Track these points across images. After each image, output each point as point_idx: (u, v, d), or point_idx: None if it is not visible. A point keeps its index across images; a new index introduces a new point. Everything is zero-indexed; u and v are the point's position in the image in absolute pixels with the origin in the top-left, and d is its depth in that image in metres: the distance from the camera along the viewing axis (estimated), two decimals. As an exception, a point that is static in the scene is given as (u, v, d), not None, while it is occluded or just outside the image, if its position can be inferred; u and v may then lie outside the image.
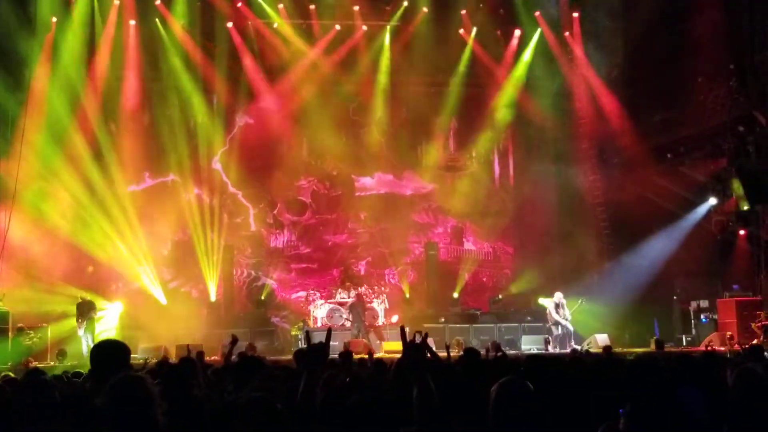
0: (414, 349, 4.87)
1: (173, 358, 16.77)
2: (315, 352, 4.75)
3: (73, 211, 23.67)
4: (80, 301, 21.33)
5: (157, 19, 25.40)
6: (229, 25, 25.85)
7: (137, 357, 19.82)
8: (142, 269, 25.25)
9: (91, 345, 20.41)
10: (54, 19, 24.06)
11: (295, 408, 4.47)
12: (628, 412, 3.92)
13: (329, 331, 5.53)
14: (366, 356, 12.63)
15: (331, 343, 5.27)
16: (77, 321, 21.03)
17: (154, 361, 17.57)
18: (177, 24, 25.41)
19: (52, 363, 19.44)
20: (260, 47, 26.27)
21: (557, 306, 22.47)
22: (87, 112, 24.60)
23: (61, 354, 20.19)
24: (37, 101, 23.54)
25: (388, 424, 4.31)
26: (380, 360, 8.59)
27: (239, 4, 25.65)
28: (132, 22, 25.11)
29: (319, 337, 17.49)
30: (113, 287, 25.16)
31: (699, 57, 23.16)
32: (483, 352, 9.51)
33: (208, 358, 17.92)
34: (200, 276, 26.09)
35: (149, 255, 25.41)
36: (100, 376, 4.60)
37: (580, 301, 22.61)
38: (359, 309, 23.84)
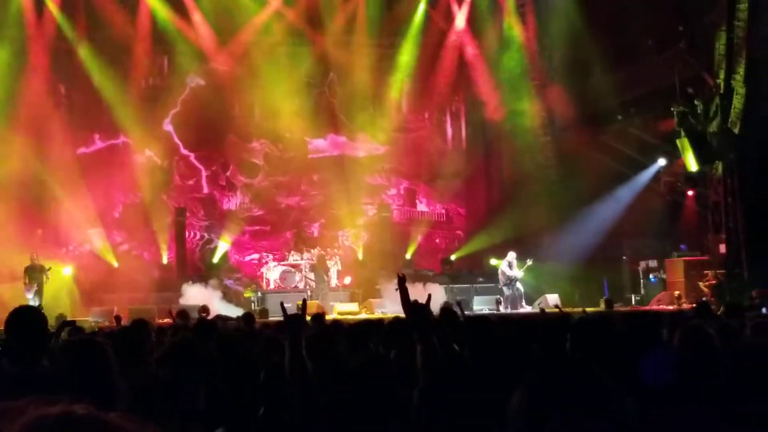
0: (420, 308, 4.86)
1: (125, 321, 16.62)
2: (293, 322, 4.75)
3: (22, 173, 23.30)
4: (30, 264, 21.09)
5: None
6: (179, -17, 25.48)
7: (89, 320, 19.71)
8: (92, 232, 25.02)
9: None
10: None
11: (284, 377, 4.48)
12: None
13: (304, 300, 5.49)
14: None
15: (285, 304, 5.26)
16: (25, 284, 20.79)
17: (106, 324, 17.51)
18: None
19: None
20: (211, 7, 25.91)
21: (510, 265, 22.67)
22: (35, 73, 24.24)
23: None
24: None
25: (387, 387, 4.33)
26: (337, 322, 8.59)
27: (189, -38, 25.27)
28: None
29: (272, 299, 17.43)
30: (63, 250, 24.86)
31: (648, 18, 23.30)
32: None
33: (159, 320, 17.89)
34: (152, 238, 25.94)
35: (99, 218, 25.20)
36: (12, 344, 4.51)
37: (527, 262, 22.76)
38: (321, 270, 23.97)
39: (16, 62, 23.65)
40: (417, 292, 5.32)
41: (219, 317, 14.62)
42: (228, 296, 23.92)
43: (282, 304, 5.41)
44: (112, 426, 1.49)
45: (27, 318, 4.59)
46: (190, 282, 23.23)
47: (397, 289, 5.18)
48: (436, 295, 20.66)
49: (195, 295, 22.04)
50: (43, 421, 1.46)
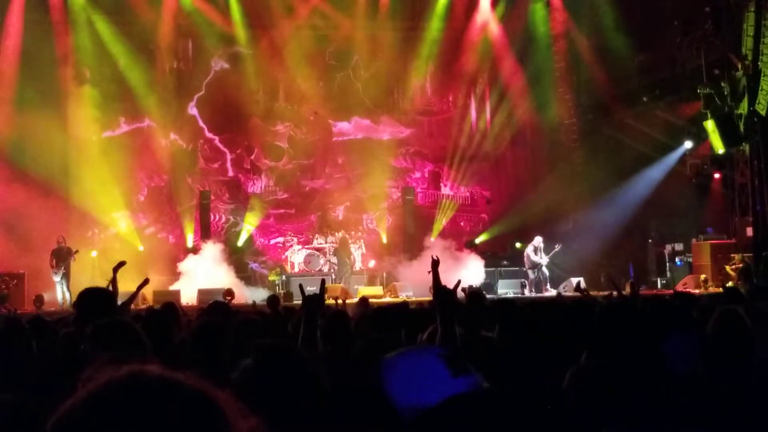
0: (446, 293, 4.83)
1: (152, 303, 16.74)
2: (311, 302, 4.78)
3: (49, 157, 23.43)
4: (57, 246, 21.24)
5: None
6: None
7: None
8: (117, 215, 25.15)
9: (66, 292, 20.49)
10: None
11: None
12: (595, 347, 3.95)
13: (323, 281, 5.50)
14: (340, 301, 12.70)
15: (311, 288, 5.30)
16: (52, 266, 20.95)
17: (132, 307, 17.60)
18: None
19: (29, 310, 19.42)
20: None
21: (535, 249, 22.64)
22: (61, 57, 24.37)
23: (39, 300, 20.17)
24: (11, 46, 23.27)
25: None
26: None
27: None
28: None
29: (297, 283, 17.45)
30: (89, 233, 25.00)
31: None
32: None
33: (184, 303, 18.00)
34: (177, 221, 26.07)
35: (125, 201, 25.32)
36: (84, 321, 4.68)
37: (555, 247, 22.73)
38: (344, 253, 24.03)
39: (41, 46, 23.74)
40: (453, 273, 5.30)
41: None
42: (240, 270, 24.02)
43: (301, 285, 5.44)
44: (182, 386, 1.45)
45: (95, 297, 4.85)
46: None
47: (429, 272, 5.16)
48: (476, 272, 21.04)
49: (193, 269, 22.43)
50: (114, 383, 1.43)
